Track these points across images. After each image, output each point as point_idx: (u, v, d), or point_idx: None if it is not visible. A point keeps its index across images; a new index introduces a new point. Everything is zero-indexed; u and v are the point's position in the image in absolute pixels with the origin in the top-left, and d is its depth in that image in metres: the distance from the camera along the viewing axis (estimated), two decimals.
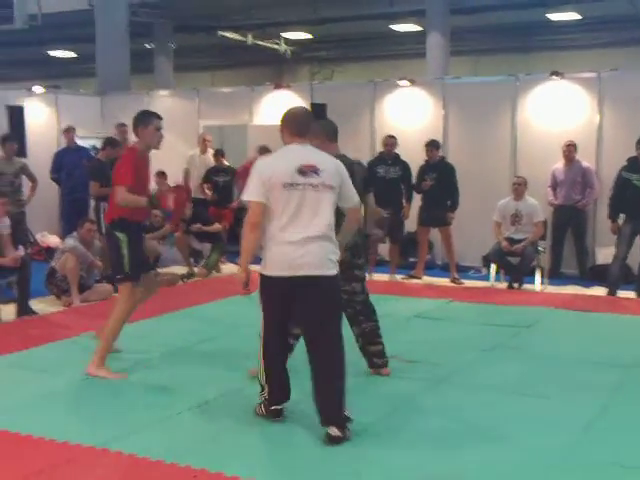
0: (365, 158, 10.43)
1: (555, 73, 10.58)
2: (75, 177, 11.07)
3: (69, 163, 11.25)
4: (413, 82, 11.63)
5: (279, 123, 4.73)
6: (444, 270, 10.48)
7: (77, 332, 7.05)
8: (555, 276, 9.90)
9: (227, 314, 7.79)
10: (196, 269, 10.42)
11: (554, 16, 16.94)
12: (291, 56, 21.26)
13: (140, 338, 6.72)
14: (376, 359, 5.77)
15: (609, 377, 5.77)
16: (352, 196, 4.74)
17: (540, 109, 10.68)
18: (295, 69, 22.95)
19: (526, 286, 9.40)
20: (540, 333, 7.29)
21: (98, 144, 11.62)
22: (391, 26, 18.28)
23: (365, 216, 5.69)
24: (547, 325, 7.61)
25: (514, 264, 9.45)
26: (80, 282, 8.54)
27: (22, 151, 10.70)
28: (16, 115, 11.78)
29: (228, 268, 10.58)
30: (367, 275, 9.62)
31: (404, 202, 9.97)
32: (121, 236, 5.82)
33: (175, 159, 11.10)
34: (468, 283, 9.88)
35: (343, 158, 5.14)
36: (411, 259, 10.67)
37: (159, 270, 9.49)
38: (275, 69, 22.87)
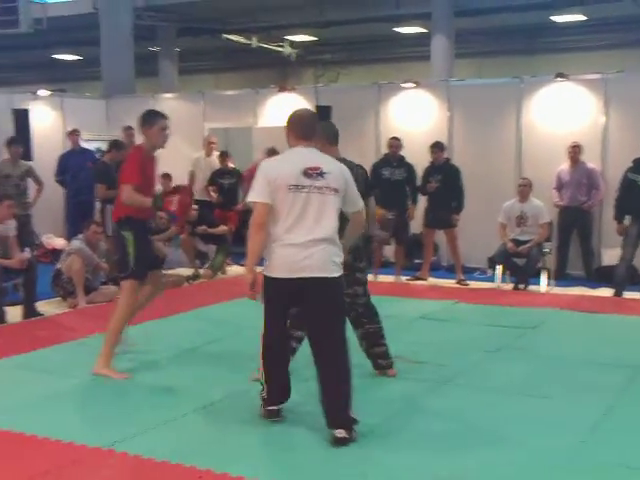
0: (370, 160, 10.47)
1: (560, 75, 10.58)
2: (80, 179, 11.11)
3: (74, 165, 11.28)
4: (418, 84, 11.64)
5: (284, 125, 4.72)
6: (449, 271, 10.48)
7: (83, 334, 7.06)
8: (561, 277, 9.90)
9: (233, 316, 7.79)
10: (201, 271, 10.44)
11: (559, 18, 16.93)
12: (296, 59, 21.27)
13: (146, 339, 6.73)
14: (381, 360, 5.77)
15: (615, 378, 5.75)
16: (356, 200, 4.73)
17: (545, 111, 10.67)
18: (300, 72, 22.95)
19: (532, 287, 9.40)
20: (546, 334, 7.28)
21: (103, 147, 11.65)
22: (396, 29, 18.30)
23: (367, 219, 5.69)
24: (553, 326, 7.60)
25: (520, 265, 9.44)
26: (86, 284, 8.56)
27: (28, 154, 10.73)
28: (22, 118, 11.81)
29: (233, 270, 10.59)
30: (372, 277, 9.78)
31: (409, 204, 9.96)
32: (127, 234, 5.84)
33: (180, 162, 11.11)
34: (474, 284, 9.88)
35: (344, 162, 5.13)
36: (416, 260, 10.66)
37: (164, 272, 9.48)
38: (280, 72, 22.88)
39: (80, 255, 8.51)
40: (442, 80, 12.50)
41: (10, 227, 8.06)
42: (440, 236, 10.48)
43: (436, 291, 9.46)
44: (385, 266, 10.40)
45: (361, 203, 4.79)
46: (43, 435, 4.55)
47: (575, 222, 10.22)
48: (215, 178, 11.11)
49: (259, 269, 4.53)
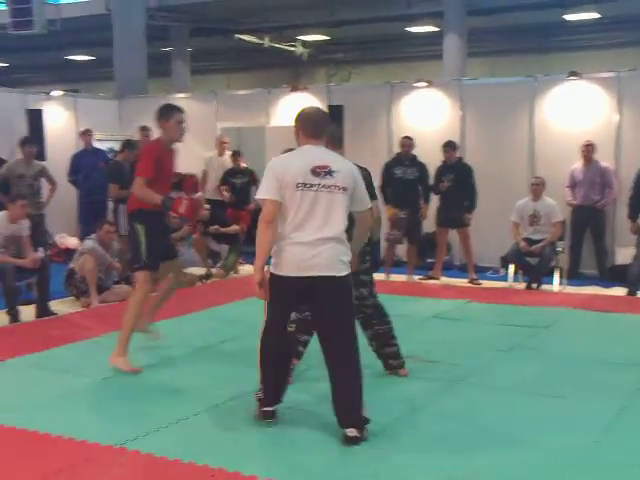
0: (382, 159, 10.51)
1: (574, 73, 10.54)
2: (92, 179, 11.15)
3: (86, 165, 11.32)
4: (430, 83, 11.62)
5: (293, 124, 4.70)
6: (462, 271, 10.45)
7: (96, 333, 7.10)
8: (574, 276, 9.86)
9: (245, 315, 7.78)
10: (214, 270, 10.45)
11: (572, 16, 16.86)
12: (308, 58, 21.27)
13: (148, 340, 6.74)
14: (392, 360, 5.76)
15: (628, 378, 5.73)
16: (364, 199, 4.70)
17: (558, 110, 10.63)
18: (312, 71, 22.96)
19: (545, 286, 9.37)
20: (558, 333, 7.26)
21: (116, 147, 11.70)
22: (408, 28, 18.27)
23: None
24: (565, 325, 7.57)
25: (532, 264, 9.41)
26: (98, 283, 8.60)
27: (41, 154, 10.78)
28: (35, 119, 11.88)
29: (246, 269, 10.60)
30: (385, 276, 9.78)
31: (422, 203, 9.95)
32: (138, 227, 5.94)
33: (193, 161, 11.12)
34: (486, 284, 9.86)
35: None
36: (429, 260, 10.65)
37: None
38: (292, 71, 22.90)
39: (93, 255, 8.55)
40: (454, 79, 12.47)
41: (23, 227, 8.10)
42: (453, 235, 10.46)
43: (449, 290, 9.45)
44: (397, 265, 10.40)
45: (368, 202, 4.76)
46: (57, 433, 4.57)
47: (588, 221, 10.18)
48: (227, 177, 11.13)
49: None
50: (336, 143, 5.23)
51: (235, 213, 10.86)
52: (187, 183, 6.58)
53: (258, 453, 4.40)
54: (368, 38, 19.83)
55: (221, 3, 16.47)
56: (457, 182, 9.82)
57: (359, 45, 21.02)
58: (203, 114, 12.85)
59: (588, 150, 10.04)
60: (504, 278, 9.84)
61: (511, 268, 9.59)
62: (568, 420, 4.84)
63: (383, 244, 9.88)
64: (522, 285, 9.54)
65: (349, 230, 4.65)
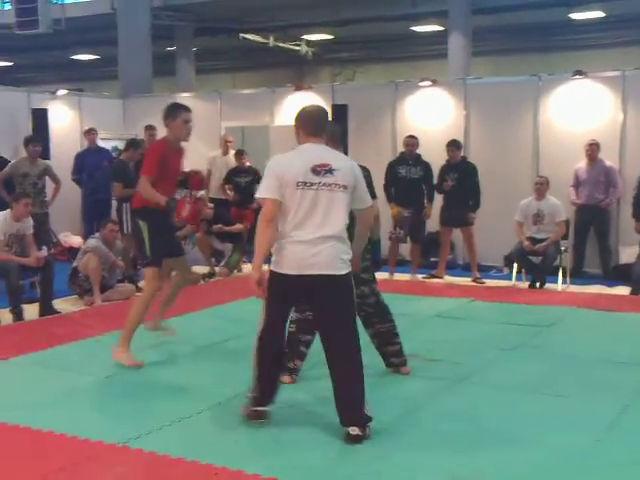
0: (387, 158, 10.51)
1: (579, 72, 10.52)
2: (96, 178, 11.16)
3: (90, 164, 11.34)
4: (434, 82, 11.62)
5: (294, 122, 4.69)
6: (466, 270, 10.46)
7: (99, 331, 7.11)
8: (578, 275, 9.85)
9: (249, 313, 7.69)
10: (217, 269, 10.47)
11: (577, 15, 16.83)
12: (312, 57, 21.26)
13: (161, 337, 6.76)
14: (394, 358, 5.76)
15: (631, 377, 5.72)
16: (365, 197, 4.68)
17: (563, 109, 10.62)
18: (316, 70, 22.96)
19: (548, 285, 9.35)
20: (562, 332, 7.25)
21: (120, 146, 11.72)
22: (413, 27, 18.26)
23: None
24: (569, 324, 7.57)
25: (536, 263, 9.40)
26: (102, 282, 8.62)
27: (46, 153, 10.79)
28: (40, 118, 11.90)
29: (249, 268, 10.57)
30: (388, 275, 9.78)
31: (425, 202, 9.95)
32: (142, 224, 6.01)
33: (197, 160, 11.11)
34: (490, 282, 9.85)
35: None
36: (432, 259, 10.66)
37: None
38: (296, 70, 22.90)
39: (96, 253, 8.56)
40: (459, 78, 12.46)
41: (27, 225, 8.12)
42: (456, 234, 10.45)
43: (452, 289, 9.45)
44: (401, 264, 10.40)
45: (370, 200, 4.74)
46: (60, 431, 4.57)
47: (592, 220, 10.17)
48: (231, 176, 11.14)
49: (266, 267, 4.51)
50: (337, 141, 5.21)
51: (239, 212, 10.86)
52: (193, 180, 6.59)
53: (261, 452, 4.39)
54: (373, 37, 19.82)
55: (226, 2, 16.49)
56: (461, 181, 9.81)
57: (364, 44, 21.00)
58: (207, 113, 12.85)
59: (592, 149, 10.03)
60: (508, 277, 9.85)
61: (515, 267, 9.59)
62: (571, 419, 4.83)
63: (386, 243, 9.88)
64: (525, 284, 9.54)
65: (350, 229, 4.63)
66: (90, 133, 11.67)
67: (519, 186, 10.33)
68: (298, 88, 12.64)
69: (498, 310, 8.26)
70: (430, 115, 11.46)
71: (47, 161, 10.42)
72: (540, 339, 6.92)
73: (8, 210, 8.07)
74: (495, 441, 4.48)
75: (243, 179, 11.11)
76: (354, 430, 4.40)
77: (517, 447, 4.38)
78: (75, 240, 11.82)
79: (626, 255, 9.88)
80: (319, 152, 4.55)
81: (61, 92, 13.25)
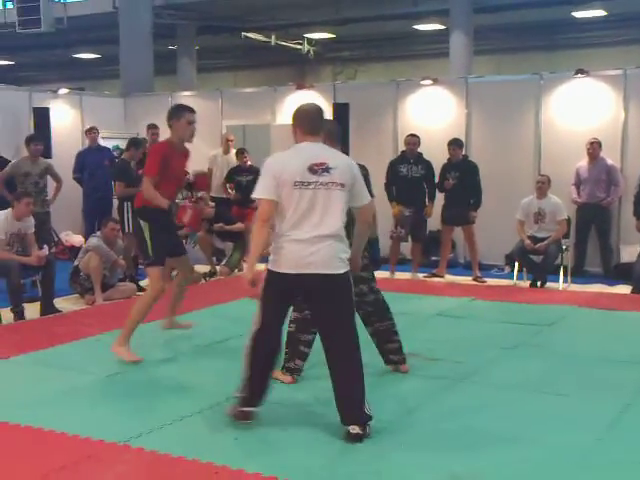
0: (388, 157, 10.51)
1: (580, 71, 10.52)
2: (97, 177, 11.17)
3: (91, 163, 11.34)
4: (436, 81, 11.61)
5: (291, 121, 4.68)
6: (467, 268, 10.46)
7: (100, 330, 7.10)
8: (579, 274, 9.85)
9: (250, 312, 7.68)
10: (218, 268, 10.47)
11: (579, 13, 16.82)
12: (314, 56, 21.26)
13: (162, 336, 6.78)
14: (392, 356, 5.74)
15: (632, 376, 5.72)
16: (363, 194, 4.66)
17: (564, 107, 10.62)
18: (318, 69, 22.97)
19: (549, 284, 9.36)
20: (563, 331, 7.25)
21: (122, 145, 11.71)
22: (414, 26, 18.25)
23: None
24: (570, 323, 7.57)
25: (537, 262, 9.41)
26: (103, 281, 8.63)
27: (47, 152, 10.79)
28: (42, 116, 11.89)
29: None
30: (389, 274, 9.78)
31: (427, 201, 9.95)
32: (143, 224, 6.06)
33: (199, 159, 11.10)
34: (491, 281, 9.86)
35: None
36: (433, 258, 10.66)
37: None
38: (298, 69, 22.91)
39: (98, 252, 8.57)
40: (460, 77, 12.45)
41: (29, 224, 8.12)
42: (457, 233, 10.46)
43: (453, 288, 9.45)
44: (402, 263, 10.40)
45: (368, 197, 4.72)
46: (61, 430, 4.58)
47: (593, 219, 10.17)
48: (233, 175, 11.14)
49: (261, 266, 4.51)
50: (335, 139, 5.20)
51: (240, 211, 10.86)
52: (199, 181, 6.64)
53: (261, 451, 4.39)
54: (374, 36, 19.82)
55: (228, 1, 16.50)
56: (462, 180, 9.82)
57: (365, 43, 21.01)
58: (209, 112, 12.85)
59: (594, 148, 10.02)
60: (509, 276, 9.85)
61: (516, 266, 9.59)
62: (571, 418, 4.83)
63: (386, 242, 9.88)
64: (526, 283, 9.54)
65: (348, 227, 4.61)
66: (91, 132, 11.66)
67: (520, 185, 10.34)
68: (299, 87, 12.64)
69: (499, 309, 8.26)
70: (431, 114, 11.45)
71: (48, 160, 10.41)
72: (541, 338, 6.92)
73: (9, 209, 8.08)
74: (495, 440, 4.48)
75: (244, 178, 11.10)
76: (354, 429, 4.39)
77: (517, 446, 4.38)
78: (76, 239, 11.83)
79: (627, 254, 9.88)
80: (316, 151, 4.54)
81: (63, 91, 13.25)
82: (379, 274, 9.60)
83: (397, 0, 15.84)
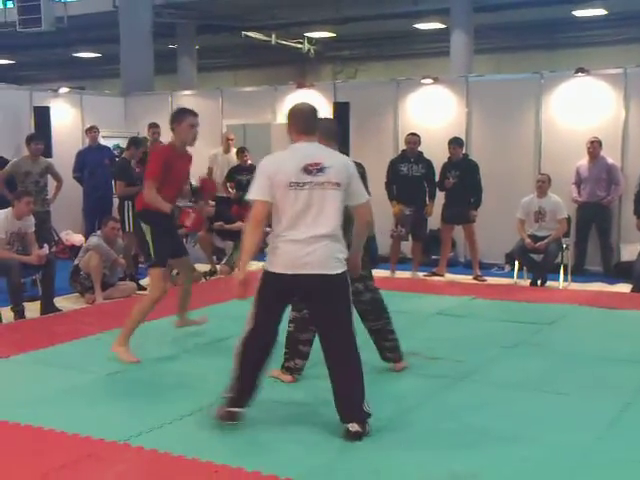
0: (388, 156, 10.51)
1: (581, 70, 10.51)
2: (97, 176, 11.18)
3: (91, 162, 11.34)
4: (436, 80, 11.61)
5: (286, 121, 4.67)
6: (467, 267, 10.47)
7: (100, 329, 7.10)
8: (579, 273, 9.85)
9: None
10: (219, 267, 10.47)
11: (579, 12, 16.82)
12: (314, 55, 21.27)
13: (163, 335, 6.79)
14: (389, 353, 5.72)
15: (633, 374, 5.71)
16: (360, 192, 4.63)
17: (565, 106, 10.62)
18: (318, 68, 22.97)
19: (549, 283, 9.36)
20: (563, 330, 7.25)
21: (122, 144, 11.72)
22: (414, 25, 18.24)
23: None
24: (570, 322, 7.56)
25: (537, 261, 9.41)
26: (103, 280, 8.63)
27: (48, 151, 10.79)
28: (42, 116, 11.90)
29: (250, 266, 10.60)
30: (389, 272, 9.78)
31: (427, 200, 9.94)
32: (144, 227, 6.09)
33: (199, 158, 11.09)
34: (491, 280, 9.86)
35: None
36: (433, 256, 10.66)
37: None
38: (298, 68, 22.90)
39: (98, 251, 8.57)
40: (461, 76, 12.45)
41: (29, 223, 8.12)
42: (458, 232, 10.46)
43: (453, 287, 9.45)
44: (402, 262, 10.40)
45: (366, 196, 4.68)
46: (61, 429, 4.58)
47: (594, 217, 10.17)
48: (233, 174, 11.13)
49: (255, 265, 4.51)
50: (332, 137, 5.20)
51: (240, 210, 10.83)
52: (206, 186, 6.67)
53: (261, 449, 4.39)
54: (374, 35, 19.82)
55: (228, 0, 16.48)
56: (463, 179, 9.82)
57: (365, 42, 21.02)
58: (209, 111, 12.84)
59: (594, 146, 10.02)
60: (509, 275, 9.85)
61: (516, 265, 9.59)
62: (571, 417, 4.83)
63: (387, 241, 9.89)
64: (527, 282, 9.54)
65: (344, 226, 4.58)
66: (92, 131, 11.67)
67: (521, 184, 10.34)
68: (300, 86, 12.64)
69: (499, 308, 8.26)
70: (432, 113, 11.45)
71: (49, 159, 10.42)
72: (541, 337, 6.92)
73: (10, 208, 8.07)
74: (495, 439, 4.48)
75: (245, 177, 11.07)
76: (354, 426, 4.39)
77: (517, 445, 4.37)
78: (76, 238, 11.84)
79: (627, 253, 9.88)
80: (311, 151, 4.52)
81: (63, 90, 13.26)
82: (379, 273, 9.62)
83: None
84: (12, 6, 15.47)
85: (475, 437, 4.51)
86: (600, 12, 16.72)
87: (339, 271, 4.46)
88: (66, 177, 10.74)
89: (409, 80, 12.04)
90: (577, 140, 10.23)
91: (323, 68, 23.15)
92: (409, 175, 9.82)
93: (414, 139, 9.94)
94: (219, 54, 21.91)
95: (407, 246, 10.39)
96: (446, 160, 10.04)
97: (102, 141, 12.02)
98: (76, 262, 8.79)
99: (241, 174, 11.09)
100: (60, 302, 8.28)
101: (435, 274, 10.13)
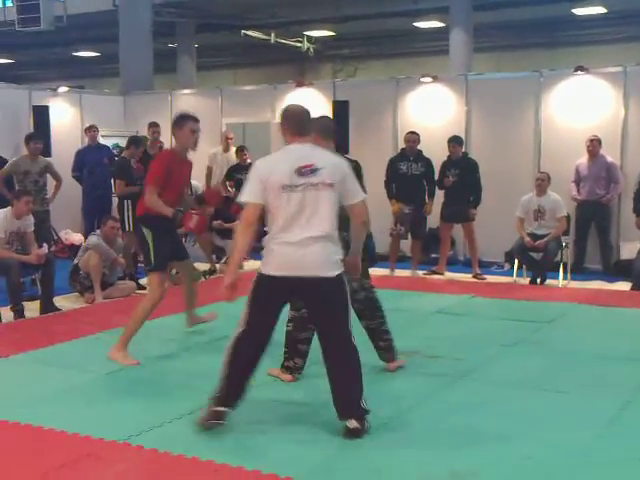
0: (388, 155, 10.50)
1: (580, 68, 10.51)
2: (97, 175, 11.18)
3: (90, 161, 11.34)
4: (436, 79, 11.61)
5: (279, 122, 4.66)
6: (466, 266, 10.47)
7: (100, 329, 7.10)
8: (578, 271, 9.85)
9: None
10: (218, 266, 10.47)
11: (579, 11, 16.82)
12: (314, 54, 21.28)
13: (162, 334, 6.79)
14: (382, 352, 5.70)
15: (632, 372, 5.72)
16: (356, 191, 4.60)
17: (564, 105, 10.61)
18: (318, 67, 22.98)
19: (549, 281, 9.36)
20: (562, 328, 7.25)
21: (121, 143, 11.72)
22: (414, 23, 18.25)
23: None
24: (570, 320, 7.57)
25: (537, 259, 9.41)
26: (103, 279, 8.62)
27: (47, 150, 10.79)
28: (41, 115, 11.89)
29: (250, 265, 10.59)
30: (389, 271, 9.78)
31: (426, 198, 9.94)
32: (145, 231, 6.10)
33: (198, 157, 11.09)
34: (490, 279, 9.86)
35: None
36: (433, 255, 10.67)
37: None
38: (298, 67, 22.91)
39: (97, 251, 8.57)
40: (460, 74, 12.45)
41: (28, 223, 8.11)
42: (457, 230, 10.46)
43: (453, 285, 9.45)
44: (402, 260, 10.39)
45: (361, 194, 4.64)
46: (60, 429, 4.58)
47: (593, 216, 10.17)
48: (232, 173, 11.13)
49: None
50: (328, 135, 5.19)
51: (240, 209, 10.82)
52: (210, 196, 6.71)
53: (261, 448, 4.39)
54: (374, 34, 19.82)
55: None
56: (462, 177, 9.82)
57: (365, 41, 21.03)
58: (208, 110, 12.85)
59: (593, 145, 10.02)
60: (508, 273, 9.85)
61: (515, 263, 9.59)
62: (571, 415, 4.83)
63: (386, 239, 9.88)
64: (526, 280, 9.54)
65: (341, 226, 4.56)
66: (91, 130, 11.66)
67: (520, 182, 10.33)
68: (299, 84, 12.64)
69: (499, 306, 8.26)
70: (431, 111, 11.45)
71: (48, 158, 10.41)
72: (541, 335, 6.92)
73: (9, 208, 8.07)
74: (495, 437, 4.48)
75: (244, 176, 10.99)
76: (352, 423, 4.39)
77: (517, 443, 4.37)
78: (76, 237, 11.84)
79: (627, 251, 9.88)
80: (304, 152, 4.51)
81: (62, 89, 13.25)
82: (379, 271, 9.64)
83: None
84: (11, 5, 15.45)
85: (475, 435, 4.51)
86: (600, 10, 16.73)
87: (335, 273, 4.45)
88: (65, 176, 10.74)
89: (409, 79, 12.03)
90: (576, 138, 10.22)
91: (323, 67, 23.16)
92: (408, 174, 9.81)
93: (413, 137, 9.93)
94: (218, 53, 21.93)
95: (406, 244, 10.38)
96: (445, 158, 10.04)
97: (101, 140, 12.01)
98: (75, 261, 8.79)
99: (240, 173, 11.07)
100: (59, 301, 8.28)
101: (435, 272, 10.13)
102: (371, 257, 5.81)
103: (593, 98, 10.42)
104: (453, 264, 10.62)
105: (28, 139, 9.85)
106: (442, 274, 10.08)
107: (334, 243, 4.48)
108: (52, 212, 10.37)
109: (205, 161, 11.37)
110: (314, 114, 4.90)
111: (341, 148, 5.15)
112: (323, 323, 4.57)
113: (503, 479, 3.97)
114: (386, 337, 5.68)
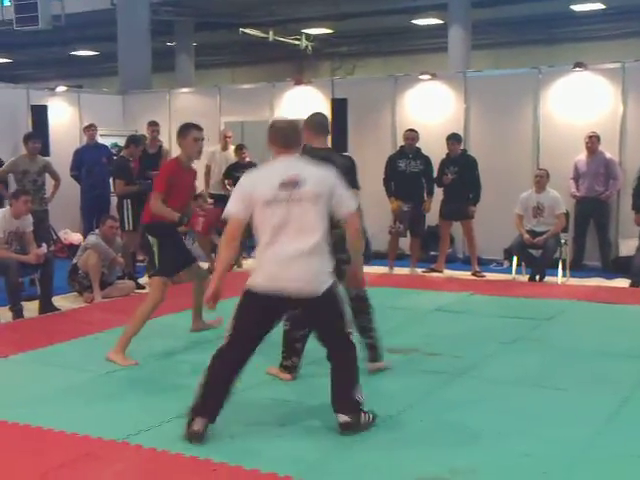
0: (387, 152, 10.51)
1: (579, 65, 10.50)
2: (95, 174, 11.18)
3: (89, 160, 11.34)
4: (434, 76, 11.61)
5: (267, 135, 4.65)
6: (465, 263, 10.47)
7: (99, 328, 7.10)
8: (577, 268, 9.85)
9: None
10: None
11: (577, 7, 16.81)
12: (312, 52, 21.26)
13: (161, 333, 6.78)
14: (368, 351, 5.63)
15: (631, 369, 5.71)
16: (347, 203, 4.53)
17: (563, 101, 10.61)
18: (316, 65, 22.96)
19: (548, 278, 9.35)
20: (561, 325, 7.25)
21: (120, 142, 11.71)
22: (412, 20, 18.24)
23: None
24: (569, 317, 7.56)
25: (536, 256, 9.40)
26: (102, 279, 8.62)
27: (45, 150, 10.79)
28: (40, 114, 11.89)
29: (249, 263, 10.59)
30: (388, 269, 9.78)
31: (425, 196, 9.93)
32: (151, 239, 6.18)
33: None
34: (489, 276, 9.87)
35: (320, 151, 5.15)
36: (432, 253, 10.66)
37: None
38: (296, 65, 22.89)
39: (96, 250, 8.56)
40: (459, 72, 12.45)
41: (27, 223, 8.11)
42: (456, 228, 10.46)
43: (452, 283, 9.45)
44: (401, 258, 10.39)
45: (353, 203, 4.59)
46: (59, 428, 4.58)
47: (592, 212, 10.16)
48: (231, 172, 11.12)
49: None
50: (321, 131, 5.17)
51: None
52: (194, 224, 6.74)
53: (260, 447, 4.38)
54: (372, 31, 19.82)
55: None
56: (461, 175, 9.81)
57: (363, 38, 21.01)
58: (207, 108, 12.87)
59: (592, 141, 10.01)
60: (507, 270, 9.85)
61: (514, 260, 9.58)
62: (570, 412, 4.82)
63: (386, 237, 9.88)
64: (525, 277, 9.54)
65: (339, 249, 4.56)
66: (89, 129, 11.66)
67: (519, 179, 10.32)
68: (298, 82, 12.64)
69: (498, 303, 8.26)
70: (430, 109, 11.45)
71: (47, 158, 10.41)
72: (540, 332, 6.92)
73: (7, 207, 8.07)
74: (494, 434, 4.47)
75: (242, 174, 11.06)
76: (343, 417, 4.41)
77: (516, 440, 4.37)
78: (75, 237, 11.83)
79: (626, 247, 9.88)
80: (289, 165, 4.48)
81: (60, 88, 13.25)
82: (378, 269, 9.64)
83: None
84: (9, 4, 15.42)
85: (474, 433, 4.51)
86: (598, 6, 16.71)
87: (323, 289, 4.40)
88: (64, 176, 10.73)
89: (407, 76, 12.04)
90: (575, 135, 10.22)
91: (321, 64, 23.14)
92: (407, 171, 9.80)
93: (412, 135, 9.92)
94: (217, 51, 21.91)
95: (405, 242, 10.37)
96: (444, 156, 10.04)
97: (100, 139, 12.00)
98: (74, 261, 8.78)
99: (239, 171, 11.01)
100: (58, 301, 8.27)
101: (433, 270, 10.12)
102: (367, 255, 5.79)
103: (592, 94, 10.42)
104: (452, 262, 10.62)
105: (27, 139, 9.84)
106: (441, 272, 10.08)
107: (322, 255, 4.43)
108: (51, 212, 10.36)
109: (204, 160, 11.35)
110: (313, 112, 4.90)
111: (339, 146, 5.14)
112: (317, 329, 4.64)
113: (502, 476, 3.96)
114: (371, 335, 5.63)
